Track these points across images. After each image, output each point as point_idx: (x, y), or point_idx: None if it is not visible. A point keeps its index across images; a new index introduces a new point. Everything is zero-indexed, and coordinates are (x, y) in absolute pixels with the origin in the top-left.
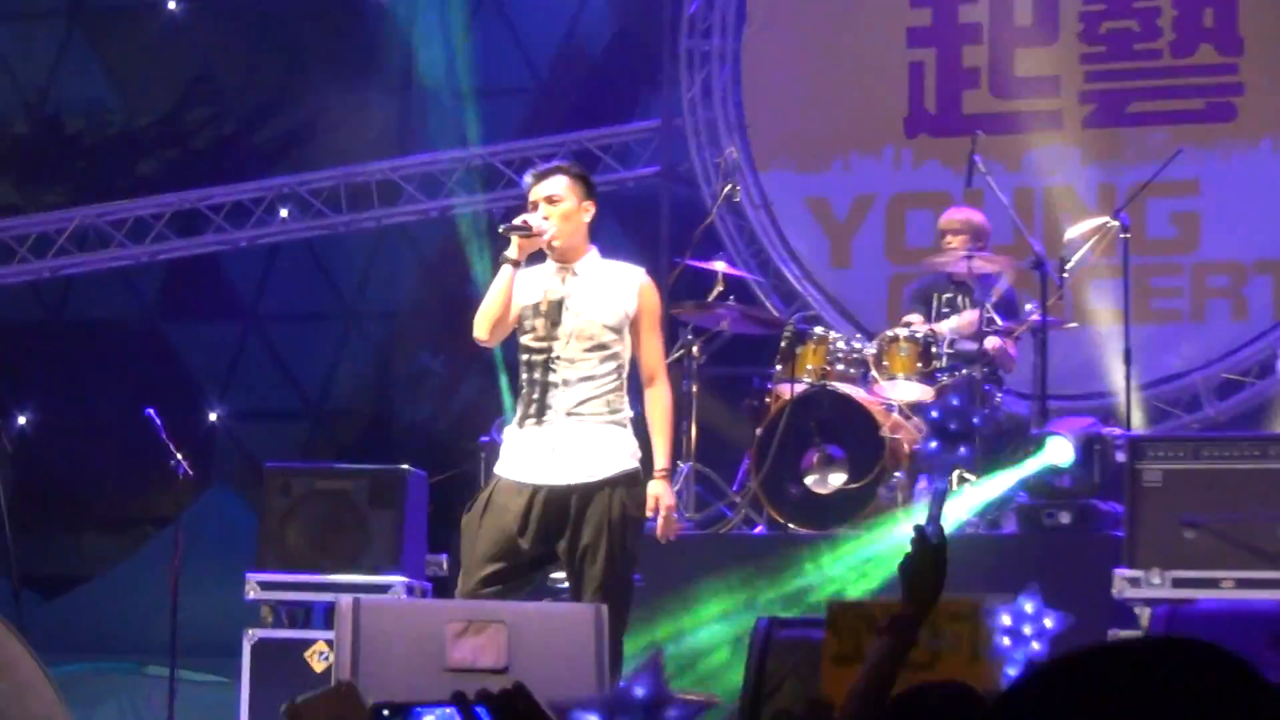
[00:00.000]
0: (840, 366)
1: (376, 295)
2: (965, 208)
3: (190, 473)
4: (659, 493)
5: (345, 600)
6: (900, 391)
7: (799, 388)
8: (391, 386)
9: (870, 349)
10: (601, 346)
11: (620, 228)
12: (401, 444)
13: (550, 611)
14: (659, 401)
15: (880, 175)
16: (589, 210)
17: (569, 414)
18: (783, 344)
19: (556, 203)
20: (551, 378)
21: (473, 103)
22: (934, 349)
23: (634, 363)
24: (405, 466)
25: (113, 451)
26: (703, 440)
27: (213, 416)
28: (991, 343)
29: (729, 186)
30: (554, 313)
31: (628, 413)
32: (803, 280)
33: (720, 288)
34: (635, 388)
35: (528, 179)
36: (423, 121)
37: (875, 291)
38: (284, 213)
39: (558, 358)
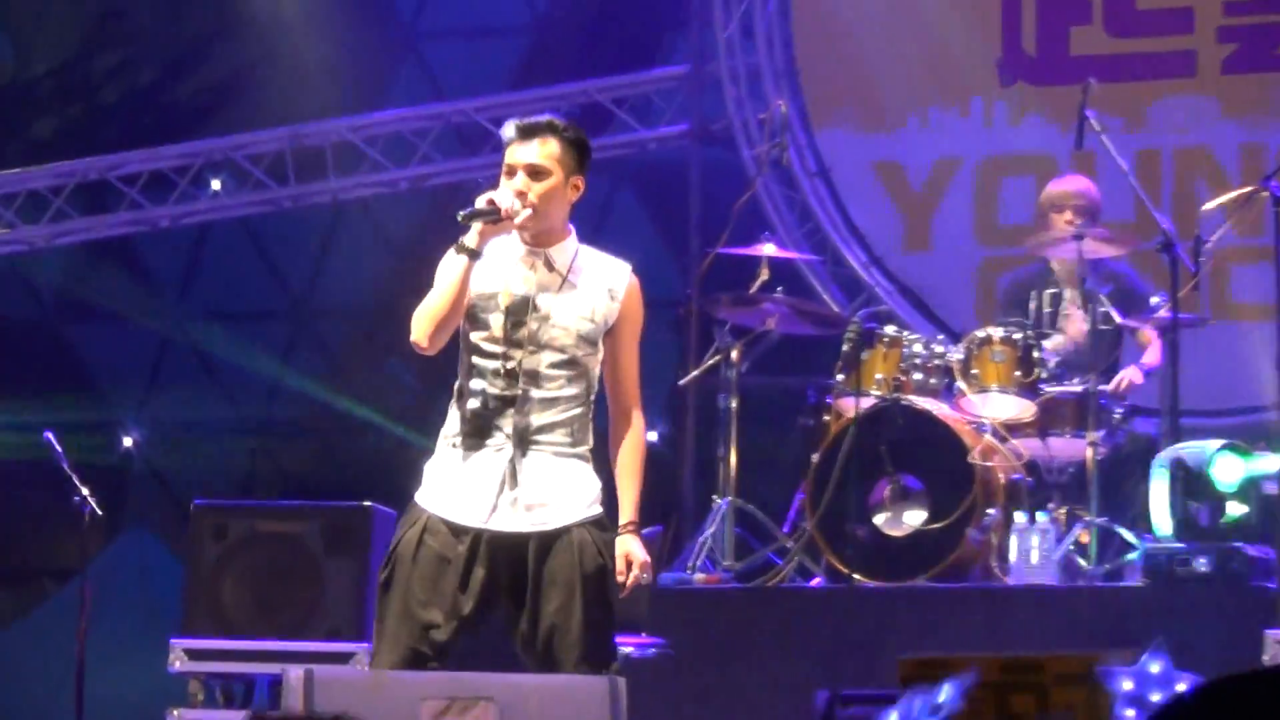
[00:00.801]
0: (918, 376)
1: (332, 287)
2: (1074, 175)
3: (99, 512)
4: (630, 549)
5: (295, 672)
6: (994, 407)
7: (866, 402)
8: (348, 397)
9: (955, 354)
10: (572, 363)
11: (639, 203)
12: (365, 474)
13: (552, 686)
14: (632, 437)
15: (967, 134)
16: (578, 188)
17: (525, 441)
18: (845, 347)
19: (541, 177)
20: (506, 392)
21: (453, 45)
22: (1036, 353)
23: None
24: (368, 504)
25: (1, 488)
26: (745, 470)
27: (127, 441)
28: (1125, 379)
29: (776, 149)
30: (518, 311)
31: (590, 445)
32: (869, 267)
33: (765, 276)
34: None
35: (507, 130)
36: (390, 69)
37: (961, 281)
38: (216, 184)
39: (517, 369)
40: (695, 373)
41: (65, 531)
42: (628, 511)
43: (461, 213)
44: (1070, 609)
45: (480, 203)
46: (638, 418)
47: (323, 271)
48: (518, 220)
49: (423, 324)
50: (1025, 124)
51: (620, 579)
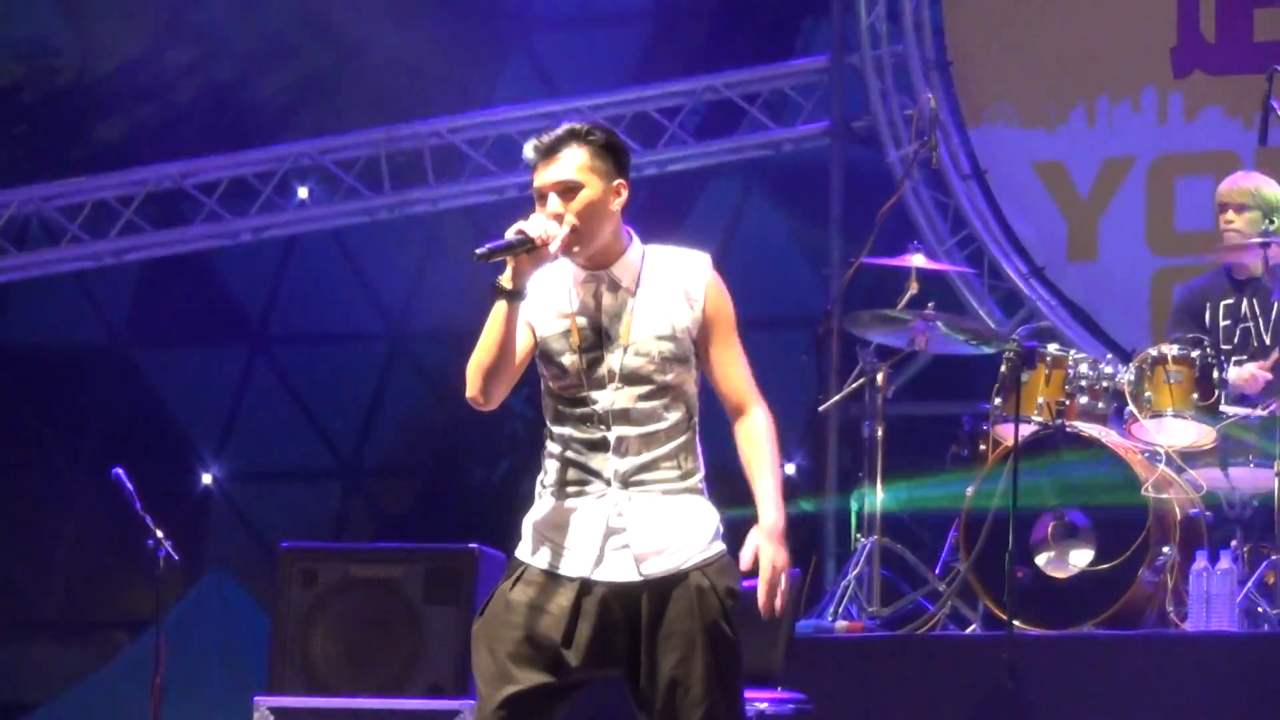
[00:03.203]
0: (1084, 400)
1: (432, 306)
2: (1256, 174)
3: (175, 557)
4: (762, 544)
5: None
6: (1169, 434)
7: (1027, 429)
8: (455, 434)
9: (1126, 374)
10: (664, 390)
11: (773, 207)
12: (470, 517)
13: None
14: (758, 433)
15: (1138, 130)
16: (621, 193)
17: (627, 484)
18: (1003, 369)
19: (575, 193)
20: (597, 436)
21: (566, 36)
22: (1218, 374)
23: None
24: (474, 546)
25: (67, 530)
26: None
27: (206, 478)
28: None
29: (925, 148)
30: (591, 347)
31: (701, 473)
32: (1030, 279)
33: (914, 290)
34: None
35: (527, 153)
36: (495, 63)
37: (1132, 293)
38: (303, 192)
39: (605, 410)
40: (836, 398)
41: (138, 579)
42: (769, 512)
43: (477, 250)
44: (1255, 659)
45: (510, 234)
46: (760, 412)
47: (421, 289)
48: (554, 247)
49: (473, 379)
50: (1203, 118)
51: (762, 596)
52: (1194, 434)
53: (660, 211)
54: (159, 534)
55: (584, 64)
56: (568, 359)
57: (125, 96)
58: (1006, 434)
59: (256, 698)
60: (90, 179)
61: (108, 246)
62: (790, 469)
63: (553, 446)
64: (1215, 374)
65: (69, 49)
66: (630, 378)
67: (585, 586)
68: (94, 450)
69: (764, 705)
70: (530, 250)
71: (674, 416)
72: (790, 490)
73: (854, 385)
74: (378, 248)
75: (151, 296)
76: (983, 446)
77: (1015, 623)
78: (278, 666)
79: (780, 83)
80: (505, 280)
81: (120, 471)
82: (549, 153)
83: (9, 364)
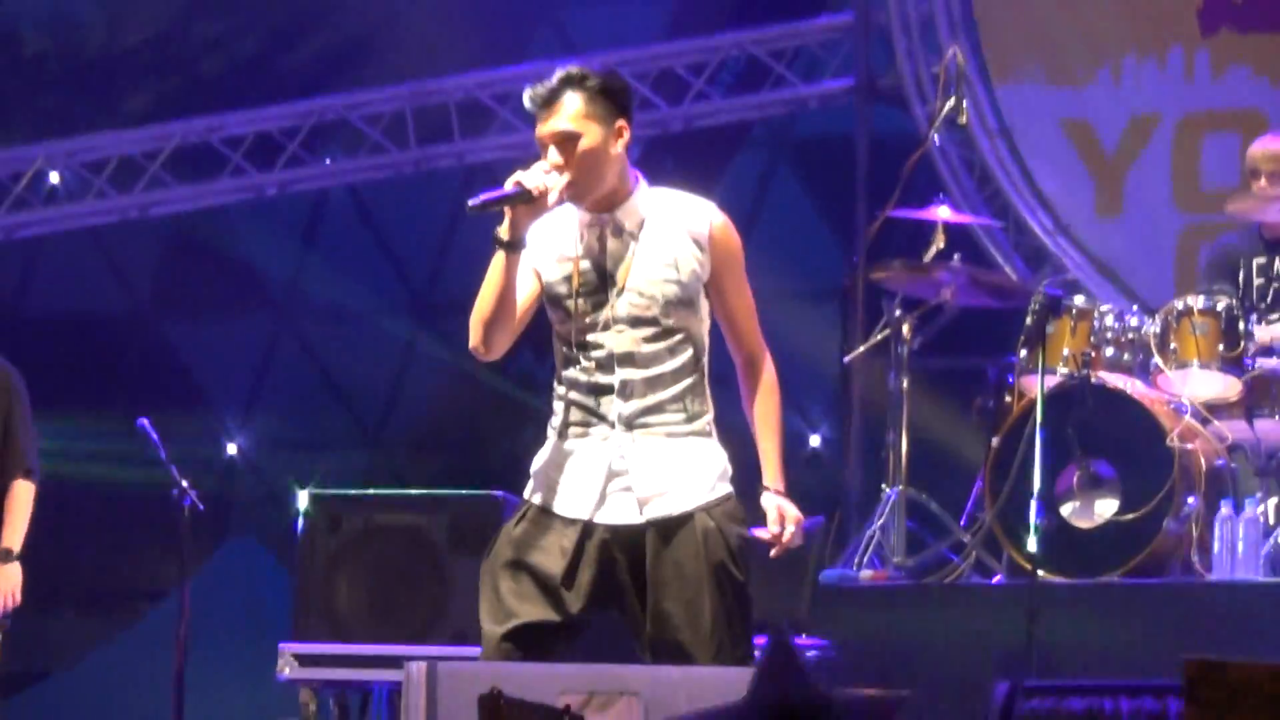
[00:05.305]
0: (1110, 351)
1: (457, 277)
2: (1275, 134)
3: (200, 506)
4: (779, 504)
5: (417, 666)
6: (1195, 385)
7: (1052, 381)
8: (480, 403)
9: (1152, 327)
10: (669, 332)
11: (799, 166)
12: (494, 485)
13: (701, 678)
14: (763, 386)
15: (1165, 88)
16: (623, 134)
17: (632, 426)
18: (1029, 320)
19: (573, 141)
20: (602, 380)
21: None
22: (1243, 326)
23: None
24: (498, 493)
25: (90, 501)
26: (917, 456)
27: (231, 448)
28: None
29: (952, 105)
30: (595, 290)
31: (709, 415)
32: (1056, 234)
33: (940, 244)
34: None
35: (526, 102)
36: (521, 19)
37: (1158, 251)
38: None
39: (609, 353)
40: (861, 349)
41: (161, 551)
42: (771, 470)
43: (471, 203)
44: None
45: (508, 186)
46: (766, 363)
47: (446, 260)
48: (552, 199)
49: (475, 329)
50: (1230, 76)
51: (769, 536)
52: (1220, 385)
53: (683, 187)
54: (184, 484)
55: (611, 20)
56: (571, 303)
57: (152, 69)
58: (1031, 385)
59: (282, 644)
60: (116, 134)
61: (133, 201)
62: (815, 440)
63: (559, 389)
64: (1241, 325)
65: (96, 21)
66: (634, 320)
67: (587, 529)
68: (118, 421)
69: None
70: (528, 201)
71: (681, 359)
72: (815, 457)
73: (879, 337)
74: (403, 218)
75: (177, 267)
76: (1008, 398)
77: (1040, 572)
78: (302, 613)
79: (806, 39)
80: (503, 231)
81: (145, 422)
82: (546, 102)
83: (34, 335)
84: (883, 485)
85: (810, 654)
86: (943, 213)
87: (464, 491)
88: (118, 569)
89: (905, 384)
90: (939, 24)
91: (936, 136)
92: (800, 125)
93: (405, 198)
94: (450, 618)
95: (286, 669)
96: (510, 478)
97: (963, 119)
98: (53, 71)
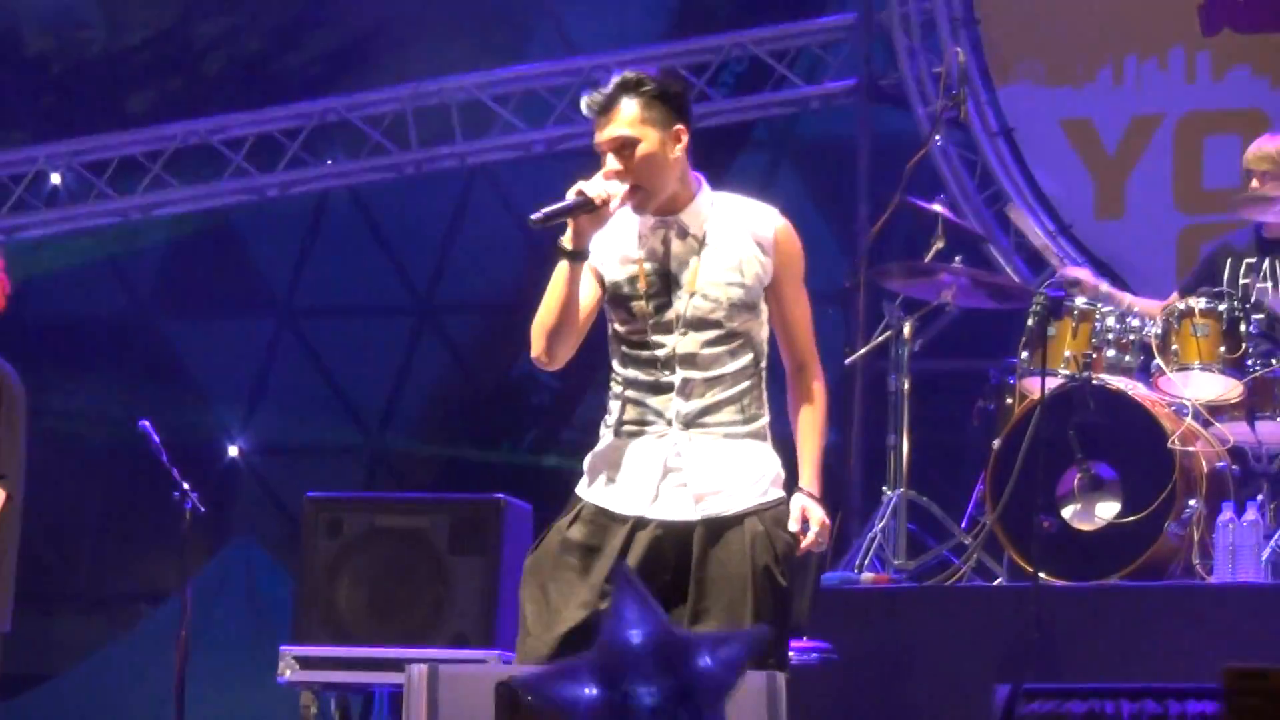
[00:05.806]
0: (1111, 353)
1: (459, 279)
2: (1273, 134)
3: (201, 509)
4: (807, 504)
5: (418, 670)
6: (1196, 387)
7: (1053, 383)
8: (482, 406)
9: (1154, 328)
10: (731, 335)
11: (802, 166)
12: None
13: None
14: (811, 395)
15: (1166, 89)
16: (681, 138)
17: (690, 425)
18: (1030, 322)
19: (630, 147)
20: (664, 379)
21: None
22: (1244, 327)
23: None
24: (500, 496)
25: (92, 503)
26: (918, 459)
27: (232, 451)
28: None
29: (953, 104)
30: (659, 293)
31: (766, 419)
32: (1057, 236)
33: (940, 244)
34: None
35: (584, 110)
36: (523, 19)
37: (1159, 251)
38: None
39: (672, 355)
40: (863, 350)
41: (162, 553)
42: (807, 473)
43: (534, 216)
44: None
45: (570, 196)
46: (816, 373)
47: (448, 262)
48: (614, 206)
49: (537, 338)
50: (1232, 77)
51: (794, 534)
52: (1221, 387)
53: None
54: (185, 486)
55: (613, 20)
56: (635, 304)
57: (153, 69)
58: (1033, 387)
59: (283, 647)
60: (118, 135)
61: (135, 202)
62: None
63: (616, 388)
64: (1242, 327)
65: (97, 21)
66: (697, 323)
67: (639, 524)
68: (120, 423)
69: (790, 654)
70: (591, 211)
71: (741, 362)
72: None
73: (880, 339)
74: (404, 219)
75: (179, 270)
76: (1009, 400)
77: (1041, 575)
78: (303, 616)
79: (808, 39)
80: (566, 241)
81: (147, 424)
82: (603, 109)
83: (37, 336)
84: (884, 487)
85: (811, 656)
86: (941, 209)
87: (465, 496)
88: (119, 571)
89: (906, 386)
90: (940, 24)
91: (936, 139)
92: (802, 126)
93: (406, 199)
94: (451, 620)
95: (287, 671)
96: (509, 479)
97: (963, 118)
98: (54, 72)
